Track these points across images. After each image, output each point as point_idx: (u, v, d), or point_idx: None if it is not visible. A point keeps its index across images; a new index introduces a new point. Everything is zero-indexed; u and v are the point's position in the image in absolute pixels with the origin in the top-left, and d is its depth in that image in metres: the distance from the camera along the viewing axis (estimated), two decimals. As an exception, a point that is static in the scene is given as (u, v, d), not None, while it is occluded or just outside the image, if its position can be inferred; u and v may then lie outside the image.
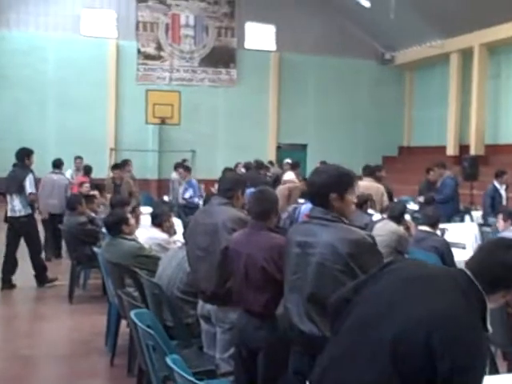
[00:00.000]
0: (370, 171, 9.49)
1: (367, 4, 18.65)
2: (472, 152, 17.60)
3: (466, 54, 18.83)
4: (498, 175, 10.47)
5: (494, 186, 10.33)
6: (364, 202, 7.89)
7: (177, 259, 4.70)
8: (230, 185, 4.24)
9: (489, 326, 2.16)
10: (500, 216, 7.00)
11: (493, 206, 9.97)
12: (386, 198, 9.01)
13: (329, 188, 2.94)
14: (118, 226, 5.65)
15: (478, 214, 10.65)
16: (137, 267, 5.09)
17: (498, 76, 18.41)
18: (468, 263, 2.24)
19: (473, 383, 2.01)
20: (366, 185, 9.04)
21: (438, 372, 1.98)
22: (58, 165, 10.58)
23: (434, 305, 2.08)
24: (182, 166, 12.54)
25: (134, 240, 5.64)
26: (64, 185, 10.28)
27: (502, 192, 10.37)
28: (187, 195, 11.62)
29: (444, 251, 6.17)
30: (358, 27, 21.17)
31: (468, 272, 2.19)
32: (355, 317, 2.25)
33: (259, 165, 12.75)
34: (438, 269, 2.41)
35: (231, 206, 4.14)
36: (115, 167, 11.10)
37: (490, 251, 2.23)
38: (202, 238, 4.09)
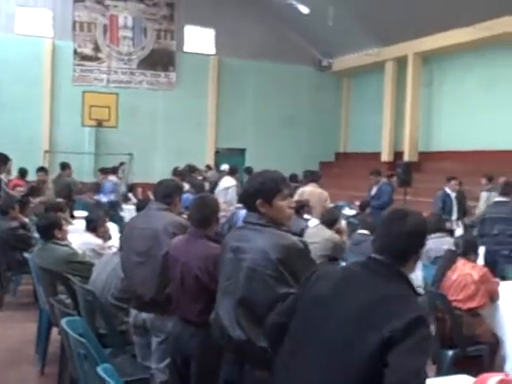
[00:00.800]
0: (312, 177, 9.69)
1: (306, 10, 18.87)
2: (406, 158, 18.05)
3: (401, 63, 19.31)
4: (448, 180, 10.67)
5: (445, 191, 10.52)
6: (301, 208, 8.02)
7: (112, 265, 4.63)
8: (169, 191, 4.21)
9: (418, 290, 2.25)
10: None
11: (443, 210, 10.15)
12: (328, 203, 9.19)
13: (255, 194, 2.99)
14: (50, 230, 5.52)
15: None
16: (69, 273, 4.99)
17: (430, 84, 18.97)
18: (373, 246, 2.34)
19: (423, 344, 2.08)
20: (309, 190, 9.25)
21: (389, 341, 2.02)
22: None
23: (364, 301, 2.16)
24: (101, 170, 13.03)
25: (67, 245, 5.52)
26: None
27: (453, 197, 10.57)
28: (96, 197, 11.85)
29: None
30: (297, 33, 21.40)
31: (376, 256, 2.29)
32: (297, 339, 2.30)
33: (191, 169, 12.66)
34: (352, 265, 2.49)
35: (170, 211, 4.13)
36: (40, 170, 10.86)
37: (387, 228, 2.34)
38: (139, 242, 4.04)
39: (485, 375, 3.05)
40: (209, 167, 16.99)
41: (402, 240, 2.28)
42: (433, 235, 6.85)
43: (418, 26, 16.92)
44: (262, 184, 3.00)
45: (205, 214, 3.62)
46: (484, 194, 11.55)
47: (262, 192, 2.99)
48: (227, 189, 11.23)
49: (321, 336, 2.19)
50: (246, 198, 3.06)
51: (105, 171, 13.27)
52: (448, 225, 9.33)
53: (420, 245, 2.34)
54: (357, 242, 6.66)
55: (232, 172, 11.94)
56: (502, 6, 14.37)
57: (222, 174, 13.05)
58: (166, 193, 4.19)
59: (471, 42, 16.31)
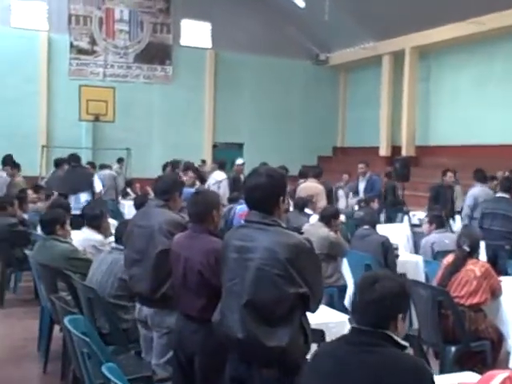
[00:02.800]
0: (314, 172, 9.73)
1: (302, 4, 18.82)
2: (403, 153, 18.05)
3: (398, 57, 19.29)
4: (489, 179, 9.62)
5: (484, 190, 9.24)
6: (304, 204, 8.05)
7: (106, 264, 4.61)
8: (166, 187, 4.17)
9: (403, 343, 2.34)
10: (426, 219, 7.24)
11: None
12: (319, 198, 9.23)
13: (279, 192, 2.95)
14: (52, 225, 5.52)
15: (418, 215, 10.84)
16: (70, 270, 4.97)
17: (427, 79, 18.96)
18: (355, 319, 2.37)
19: None
20: (304, 186, 9.31)
21: None
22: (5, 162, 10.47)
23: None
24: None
25: (67, 242, 5.50)
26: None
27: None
28: None
29: (389, 247, 6.47)
30: (294, 27, 21.33)
31: (358, 326, 2.34)
32: None
33: (175, 164, 12.46)
34: (338, 344, 2.50)
35: (168, 208, 4.09)
36: (5, 163, 10.86)
37: (360, 297, 2.36)
38: (138, 240, 4.03)
39: (491, 372, 3.04)
40: (203, 162, 16.93)
41: (373, 308, 2.30)
42: (437, 230, 6.86)
43: (415, 20, 16.90)
44: (283, 180, 2.99)
45: (199, 209, 3.59)
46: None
47: (283, 188, 2.98)
48: (219, 182, 11.30)
49: None
50: (267, 194, 2.92)
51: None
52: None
53: (396, 308, 2.35)
54: (363, 236, 6.65)
55: (221, 166, 11.98)
56: (494, 2, 14.39)
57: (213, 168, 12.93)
58: (164, 189, 4.16)
59: (465, 36, 16.34)
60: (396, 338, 2.31)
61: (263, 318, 2.81)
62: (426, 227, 7.09)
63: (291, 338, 2.80)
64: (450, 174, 10.53)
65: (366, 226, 6.72)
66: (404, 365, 2.23)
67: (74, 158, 10.28)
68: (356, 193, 11.37)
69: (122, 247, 4.63)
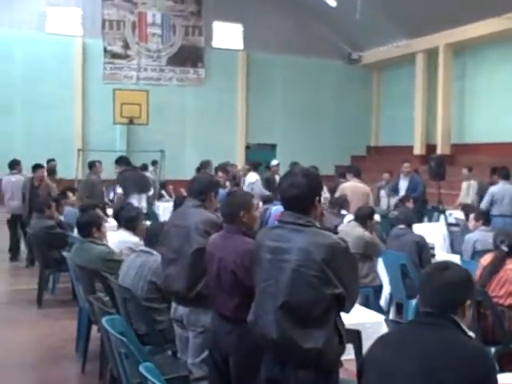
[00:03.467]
0: (354, 172, 9.63)
1: (333, 4, 18.73)
2: (439, 151, 17.80)
3: (432, 54, 19.06)
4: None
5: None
6: (341, 205, 7.98)
7: (134, 268, 4.64)
8: (202, 187, 4.17)
9: (469, 332, 2.37)
10: (472, 215, 7.09)
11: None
12: (371, 198, 9.11)
13: (315, 191, 2.94)
14: (89, 227, 5.61)
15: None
16: (107, 272, 5.02)
17: (463, 76, 18.69)
18: (423, 303, 2.42)
19: None
20: (351, 185, 9.15)
21: None
22: (13, 166, 10.55)
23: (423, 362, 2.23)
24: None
25: (104, 244, 5.58)
26: (22, 185, 10.20)
27: None
28: None
29: (424, 246, 6.37)
30: (325, 27, 21.26)
31: (425, 309, 2.38)
32: None
33: (204, 165, 12.43)
34: (408, 326, 2.56)
35: (204, 208, 4.09)
36: (37, 167, 10.96)
37: (428, 281, 2.42)
38: (174, 240, 4.05)
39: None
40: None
41: (442, 291, 2.36)
42: (483, 227, 6.71)
43: (448, 17, 16.67)
44: (318, 180, 2.97)
45: (230, 210, 3.61)
46: (464, 184, 11.75)
47: (319, 189, 2.97)
48: (252, 184, 11.26)
49: None
50: (304, 195, 2.90)
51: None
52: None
53: (463, 296, 2.39)
54: (398, 235, 6.57)
55: (255, 167, 11.92)
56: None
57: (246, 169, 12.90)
58: (200, 189, 4.15)
59: (499, 32, 16.05)
60: (462, 325, 2.33)
61: (298, 320, 2.78)
62: (472, 223, 6.94)
63: (327, 339, 2.77)
64: None
65: (402, 226, 6.63)
66: (463, 347, 2.22)
67: (127, 161, 10.77)
68: (395, 191, 11.20)
69: (149, 250, 4.68)
